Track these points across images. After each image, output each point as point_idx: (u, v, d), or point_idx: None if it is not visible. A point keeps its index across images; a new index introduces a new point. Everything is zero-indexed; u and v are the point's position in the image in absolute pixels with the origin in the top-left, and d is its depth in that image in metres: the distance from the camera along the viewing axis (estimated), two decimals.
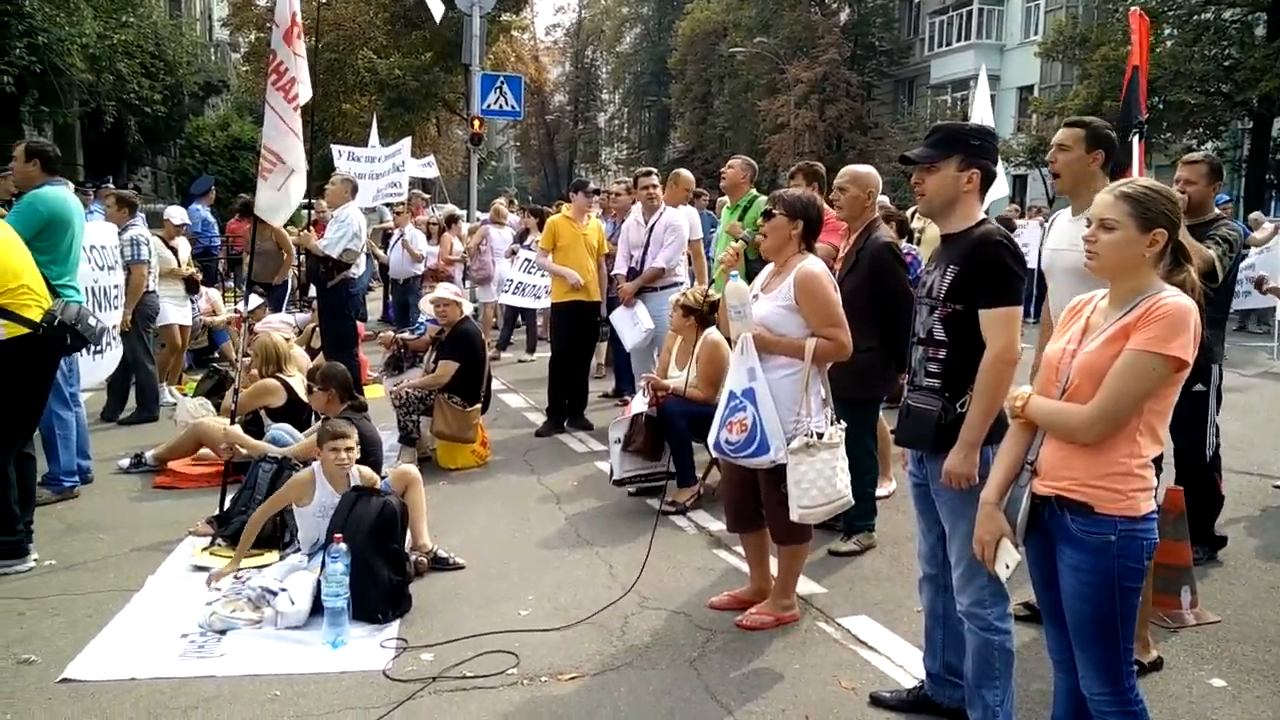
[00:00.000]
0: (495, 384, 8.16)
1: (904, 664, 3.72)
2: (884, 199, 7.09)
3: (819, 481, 3.65)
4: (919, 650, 3.57)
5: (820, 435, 3.69)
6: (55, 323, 4.53)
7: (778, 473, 3.75)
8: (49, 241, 5.27)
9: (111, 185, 13.30)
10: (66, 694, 3.43)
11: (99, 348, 6.69)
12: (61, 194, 5.43)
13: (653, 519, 5.04)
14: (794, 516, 3.71)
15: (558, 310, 7.77)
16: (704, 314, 5.81)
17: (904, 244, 5.88)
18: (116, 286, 6.83)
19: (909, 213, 7.50)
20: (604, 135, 60.33)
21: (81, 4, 17.50)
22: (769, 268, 4.03)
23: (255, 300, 10.08)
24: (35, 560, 4.66)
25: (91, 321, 4.74)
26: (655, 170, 7.85)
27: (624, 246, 7.58)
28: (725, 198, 7.16)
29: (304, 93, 5.31)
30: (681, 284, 7.23)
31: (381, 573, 4.09)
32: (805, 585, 4.35)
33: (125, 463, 6.36)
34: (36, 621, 4.03)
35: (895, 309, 4.52)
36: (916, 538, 3.33)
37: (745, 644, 3.90)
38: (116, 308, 6.84)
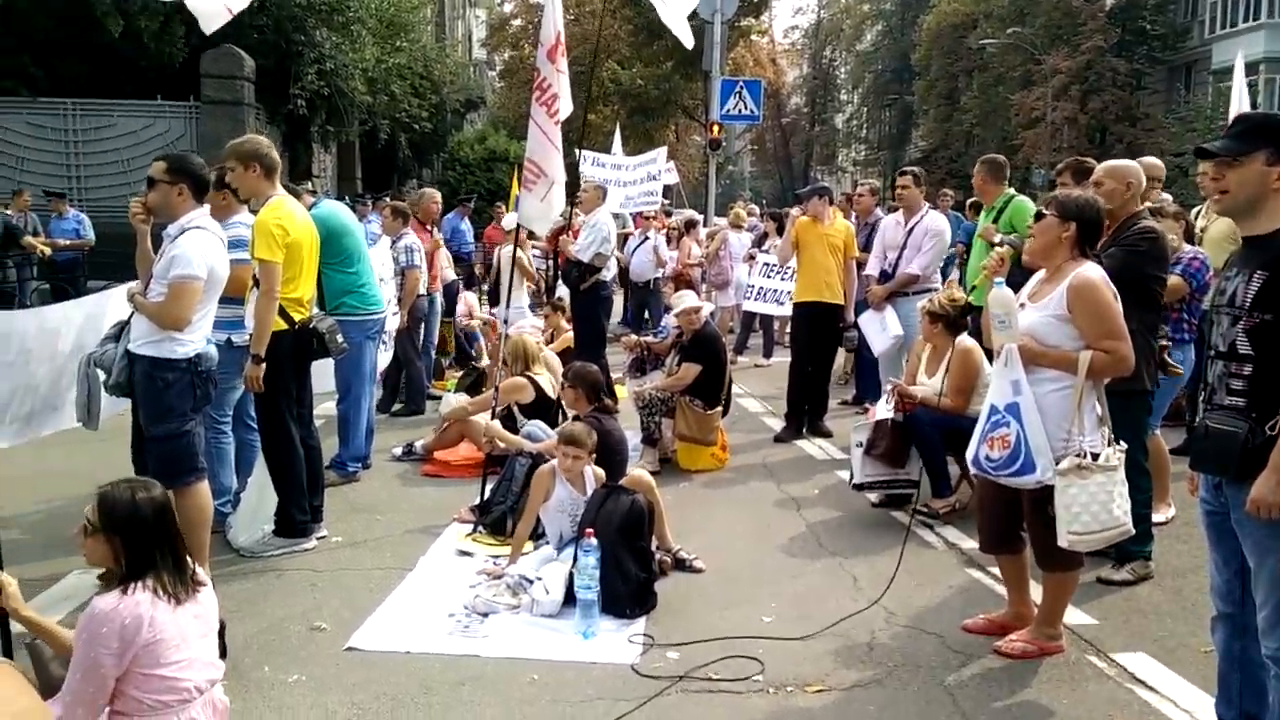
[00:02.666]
0: (733, 388, 8.19)
1: (1190, 709, 3.38)
2: (1167, 196, 6.48)
3: (1092, 506, 3.39)
4: (1207, 694, 3.25)
5: (1094, 456, 3.42)
6: (310, 327, 4.97)
7: (1043, 494, 3.51)
8: (335, 248, 5.82)
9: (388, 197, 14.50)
10: (352, 661, 3.77)
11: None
12: (329, 208, 5.99)
13: (898, 531, 4.86)
14: (1062, 542, 3.46)
15: (799, 312, 7.69)
16: (953, 320, 5.56)
17: (1187, 247, 5.34)
18: (389, 300, 7.44)
19: (1194, 212, 6.81)
20: (841, 136, 59.28)
21: (363, 32, 19.29)
22: (1037, 274, 3.79)
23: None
24: (320, 539, 5.13)
25: (339, 338, 5.15)
26: (918, 171, 7.58)
27: (879, 247, 7.40)
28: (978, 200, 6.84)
29: (565, 108, 5.59)
30: (935, 289, 6.94)
31: (629, 569, 4.21)
32: (1072, 615, 4.04)
33: (398, 451, 6.91)
34: (326, 593, 4.46)
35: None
36: (1209, 571, 3.01)
37: (1006, 672, 3.68)
38: (395, 313, 7.48)
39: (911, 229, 7.11)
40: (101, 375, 4.61)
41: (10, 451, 5.23)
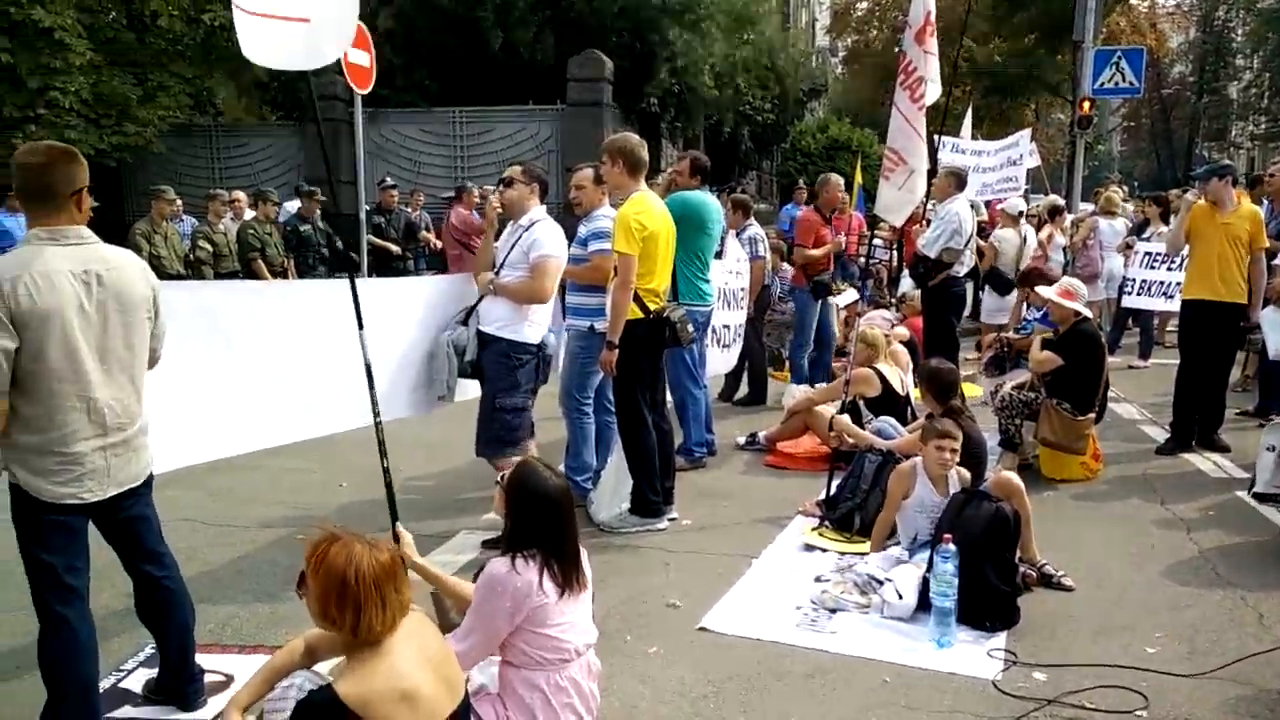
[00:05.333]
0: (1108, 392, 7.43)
1: None
2: None
3: None
4: None
5: None
6: (663, 316, 5.14)
7: None
8: (687, 239, 5.98)
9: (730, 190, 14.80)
10: (705, 641, 3.88)
11: (726, 343, 7.49)
12: (703, 199, 6.16)
13: None
14: None
15: (1189, 310, 6.78)
16: None
17: None
18: (742, 289, 7.54)
19: None
20: (1236, 108, 51.78)
21: (713, 28, 19.81)
22: None
23: (851, 294, 10.50)
24: (671, 520, 5.33)
25: (690, 328, 5.29)
26: None
27: None
28: None
29: (932, 92, 5.35)
30: None
31: (990, 580, 3.95)
32: None
33: (741, 440, 7.03)
34: (678, 572, 4.63)
35: None
36: None
37: None
38: (741, 307, 7.58)
39: None
40: (455, 356, 5.13)
41: (406, 421, 5.92)
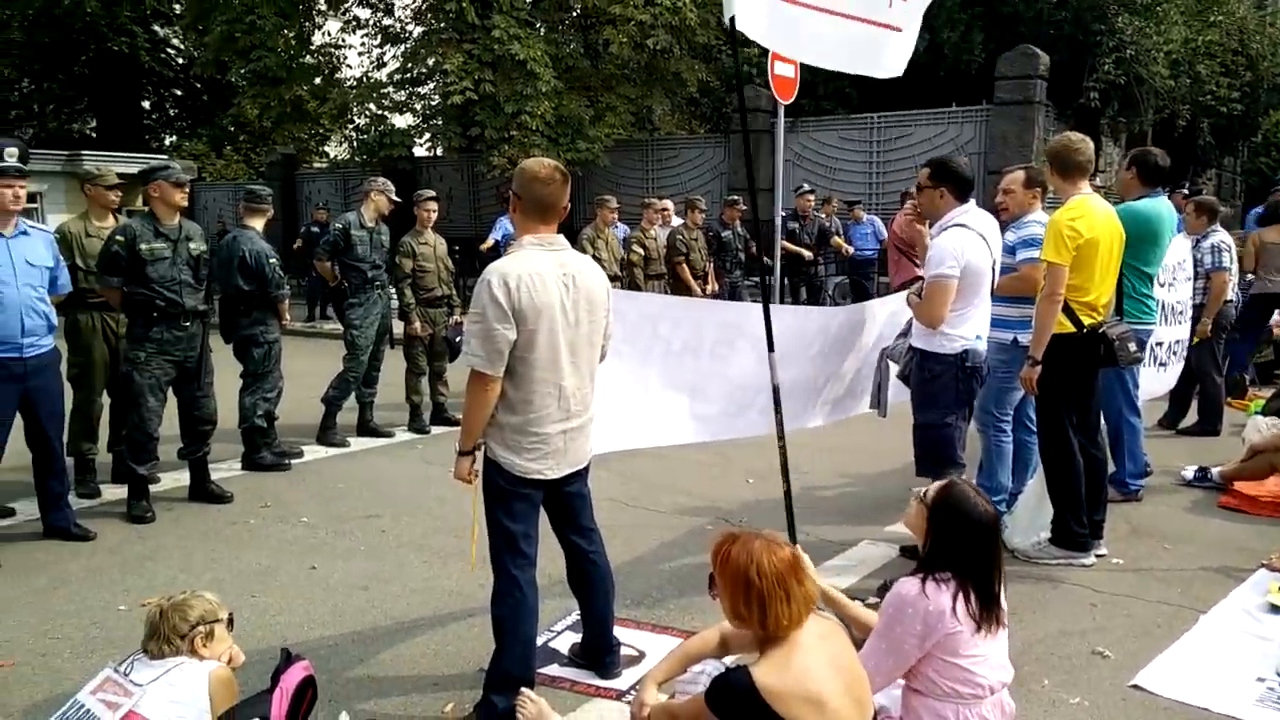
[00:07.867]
0: None
1: None
2: None
3: None
4: None
5: None
6: (1098, 332, 4.58)
7: None
8: (1134, 252, 5.29)
9: (1185, 192, 13.06)
10: (1138, 700, 3.44)
11: (1163, 360, 6.56)
12: (1155, 209, 5.40)
13: None
14: None
15: None
16: None
17: None
18: (1179, 301, 6.53)
19: None
20: None
21: (1173, 12, 17.63)
22: None
23: None
24: (1099, 557, 4.81)
25: (1131, 347, 4.67)
26: None
27: None
28: None
29: None
30: None
31: None
32: None
33: (1189, 474, 6.19)
34: (1106, 616, 4.16)
35: None
36: None
37: None
38: (1181, 321, 6.59)
39: None
40: (893, 367, 5.03)
41: (824, 428, 5.93)
